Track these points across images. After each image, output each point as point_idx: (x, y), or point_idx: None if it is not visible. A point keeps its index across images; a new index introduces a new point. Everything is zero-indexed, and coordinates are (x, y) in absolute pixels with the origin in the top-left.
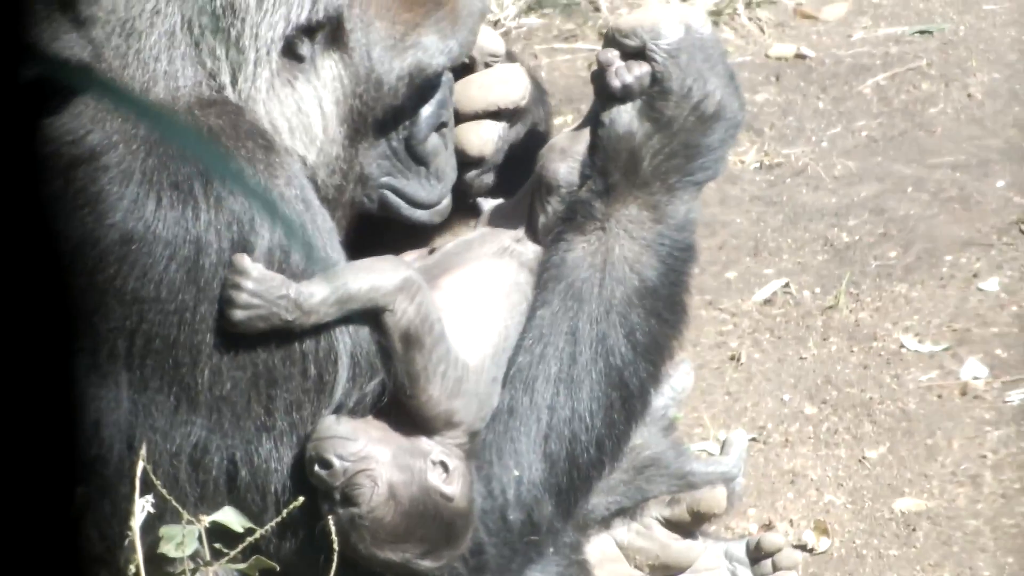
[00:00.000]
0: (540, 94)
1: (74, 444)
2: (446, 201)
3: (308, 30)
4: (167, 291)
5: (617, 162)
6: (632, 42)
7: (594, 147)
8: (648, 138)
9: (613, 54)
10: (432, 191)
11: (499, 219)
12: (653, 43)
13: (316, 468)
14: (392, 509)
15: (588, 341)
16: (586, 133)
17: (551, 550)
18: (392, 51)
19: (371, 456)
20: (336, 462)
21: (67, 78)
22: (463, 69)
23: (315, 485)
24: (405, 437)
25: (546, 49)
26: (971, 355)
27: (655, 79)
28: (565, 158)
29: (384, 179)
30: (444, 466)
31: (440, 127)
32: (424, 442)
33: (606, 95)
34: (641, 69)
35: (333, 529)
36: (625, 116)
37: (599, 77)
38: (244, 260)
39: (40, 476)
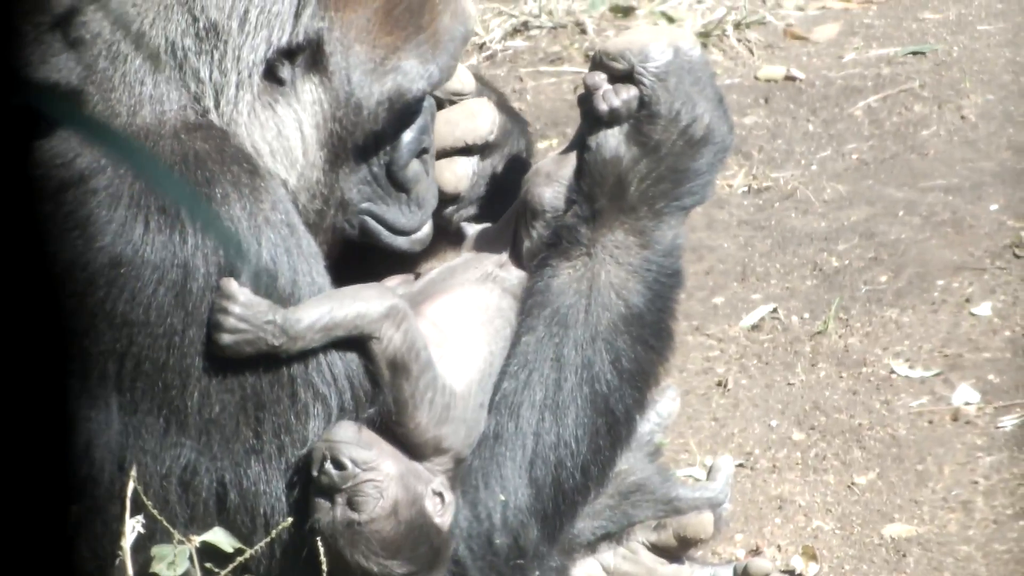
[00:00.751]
0: (517, 123)
1: (66, 464)
2: (426, 228)
3: (289, 53)
4: (156, 314)
5: (603, 187)
6: (620, 65)
7: (580, 171)
8: (635, 163)
9: (601, 77)
10: (412, 218)
11: (483, 244)
12: (641, 66)
13: (327, 466)
14: (391, 524)
15: (574, 367)
16: (572, 157)
17: (536, 574)
18: (372, 75)
19: (381, 469)
20: (349, 465)
21: (48, 107)
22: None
23: (318, 482)
24: (409, 460)
25: (532, 72)
26: (963, 380)
27: (643, 103)
28: (550, 183)
29: (364, 204)
30: (441, 497)
31: (421, 153)
32: (425, 470)
33: (593, 118)
34: (629, 93)
35: (321, 546)
36: (612, 140)
37: (586, 100)
38: (231, 285)
39: (35, 494)
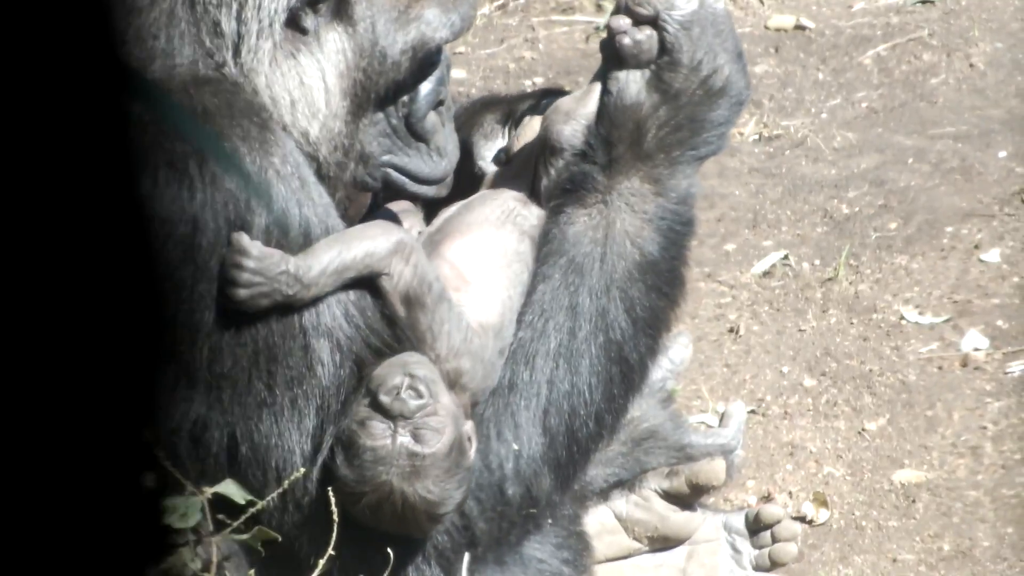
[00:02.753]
0: None
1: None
2: (449, 177)
3: (312, 2)
4: (164, 269)
5: (622, 132)
6: (645, 11)
7: (600, 116)
8: (655, 109)
9: (625, 21)
10: (436, 167)
11: (503, 181)
12: (666, 13)
13: (404, 393)
14: (446, 462)
15: (588, 316)
16: (592, 96)
17: (549, 522)
18: (396, 23)
19: (444, 405)
20: (426, 394)
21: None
22: None
23: (387, 408)
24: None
25: (544, 21)
26: (972, 327)
27: (665, 49)
28: (569, 120)
29: (385, 157)
30: (471, 441)
31: (438, 105)
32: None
33: (615, 61)
34: (652, 31)
35: (334, 499)
36: (633, 86)
37: (608, 43)
38: (244, 239)
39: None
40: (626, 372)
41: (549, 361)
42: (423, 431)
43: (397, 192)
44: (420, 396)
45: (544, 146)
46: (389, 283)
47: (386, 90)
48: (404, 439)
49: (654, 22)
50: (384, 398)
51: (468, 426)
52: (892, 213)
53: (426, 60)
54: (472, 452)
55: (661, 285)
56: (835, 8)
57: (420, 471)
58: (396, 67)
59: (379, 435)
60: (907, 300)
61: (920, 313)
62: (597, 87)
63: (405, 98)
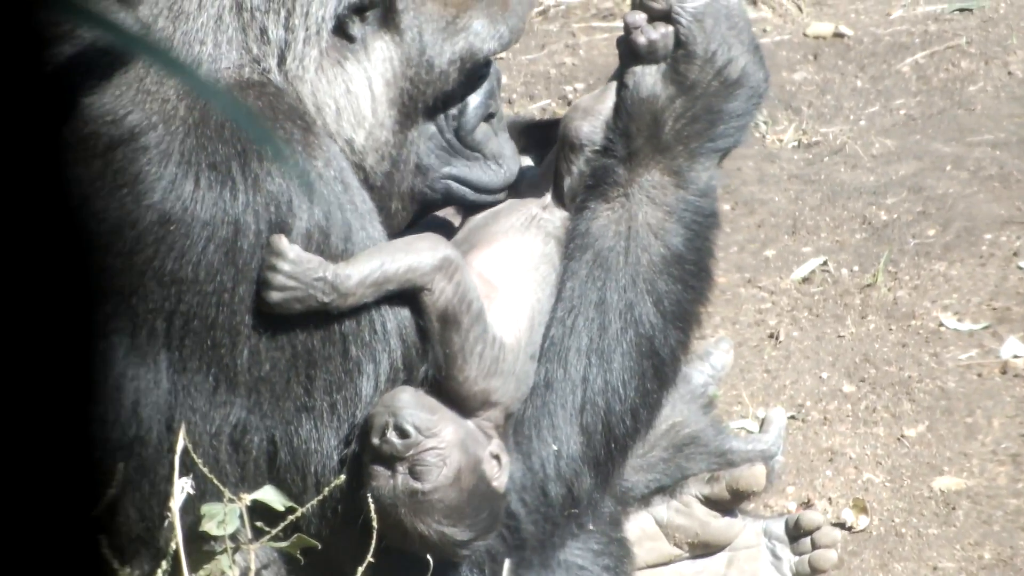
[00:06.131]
0: None
1: (111, 425)
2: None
3: (360, 9)
4: (205, 272)
5: (640, 124)
6: (658, 5)
7: (617, 110)
8: (671, 101)
9: (640, 17)
10: (496, 175)
11: (526, 187)
12: (679, 6)
13: (389, 434)
14: (454, 492)
15: (617, 311)
16: (609, 94)
17: (590, 523)
18: (443, 34)
19: (443, 435)
20: (413, 432)
21: (125, 41)
22: None
23: (378, 450)
24: (466, 421)
25: (584, 27)
26: (1011, 333)
27: (679, 42)
28: (588, 117)
29: (445, 169)
30: (498, 460)
31: (488, 117)
32: (481, 431)
33: (631, 56)
34: (667, 28)
35: (373, 506)
36: (649, 79)
37: (625, 40)
38: (281, 241)
39: (68, 461)
40: (658, 366)
41: (582, 358)
42: (419, 467)
43: (458, 203)
44: (406, 436)
45: (564, 144)
46: (429, 299)
47: (434, 100)
48: (402, 477)
49: (668, 16)
50: (374, 440)
51: (492, 446)
52: (930, 220)
53: (474, 71)
54: (499, 471)
55: (687, 278)
56: (873, 16)
57: (425, 506)
58: (443, 77)
59: (379, 476)
60: (946, 307)
61: (959, 320)
62: (615, 85)
63: (455, 110)
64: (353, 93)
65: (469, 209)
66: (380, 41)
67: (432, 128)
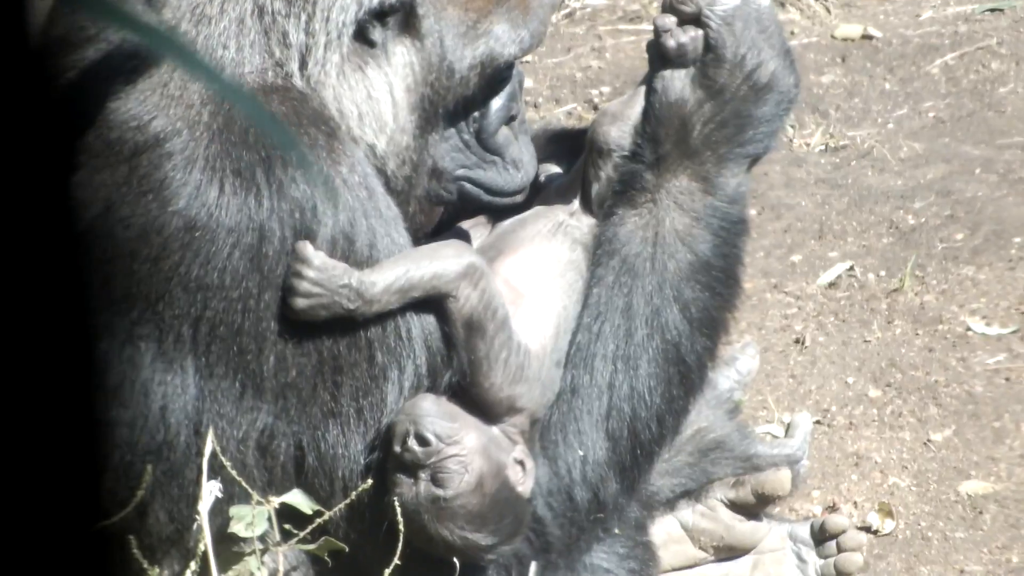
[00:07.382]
0: None
1: (140, 429)
2: (526, 188)
3: (380, 14)
4: (231, 278)
5: (668, 129)
6: (688, 8)
7: (646, 115)
8: (699, 105)
9: (670, 20)
10: (511, 179)
11: (553, 194)
12: (708, 9)
13: (410, 442)
14: (476, 498)
15: (643, 317)
16: (638, 99)
17: (615, 527)
18: (464, 39)
19: (464, 442)
20: (433, 440)
21: (158, 44)
22: None
23: (400, 458)
24: (489, 427)
25: (611, 30)
26: None
27: (709, 46)
28: (616, 122)
29: (460, 171)
30: (522, 465)
31: (510, 120)
32: (505, 437)
33: (661, 60)
34: (696, 31)
35: (399, 510)
36: (678, 83)
37: (654, 43)
38: (307, 248)
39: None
40: (684, 373)
41: (608, 364)
42: (441, 474)
43: (473, 204)
44: (426, 444)
45: (592, 150)
46: (454, 306)
47: (455, 105)
48: (425, 485)
49: (697, 19)
50: (396, 448)
51: (516, 452)
52: (959, 224)
53: (495, 76)
54: (523, 476)
55: (715, 285)
56: (902, 17)
57: (448, 512)
58: (464, 82)
59: (403, 483)
60: (973, 311)
61: (987, 324)
62: (643, 89)
63: (476, 114)
64: (374, 98)
65: (497, 216)
66: (401, 46)
67: (451, 131)
